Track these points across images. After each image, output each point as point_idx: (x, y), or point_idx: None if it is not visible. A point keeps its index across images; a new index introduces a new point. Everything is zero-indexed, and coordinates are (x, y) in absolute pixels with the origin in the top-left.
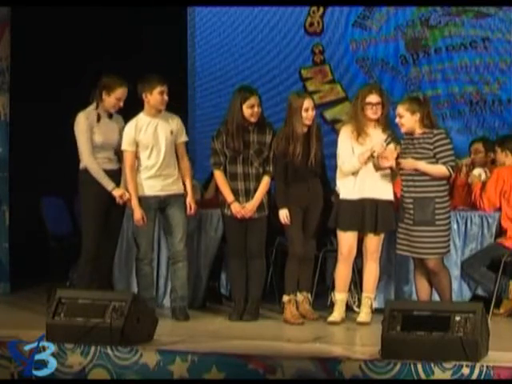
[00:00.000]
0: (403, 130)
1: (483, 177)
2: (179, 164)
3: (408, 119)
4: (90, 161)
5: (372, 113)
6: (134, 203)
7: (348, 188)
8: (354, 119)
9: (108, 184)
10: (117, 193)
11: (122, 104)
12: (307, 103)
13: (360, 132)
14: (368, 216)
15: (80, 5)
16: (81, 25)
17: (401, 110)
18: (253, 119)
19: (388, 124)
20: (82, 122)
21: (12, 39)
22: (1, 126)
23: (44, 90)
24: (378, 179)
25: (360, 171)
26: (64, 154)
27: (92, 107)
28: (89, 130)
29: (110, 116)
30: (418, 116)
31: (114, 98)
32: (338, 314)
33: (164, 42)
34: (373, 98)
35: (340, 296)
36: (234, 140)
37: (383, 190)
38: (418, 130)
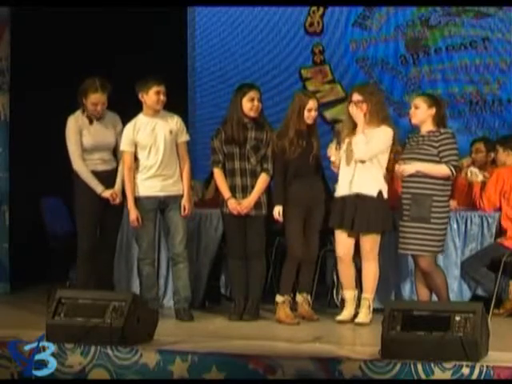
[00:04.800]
0: (413, 121)
1: (474, 170)
2: (180, 164)
3: (423, 111)
4: (79, 164)
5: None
6: (130, 204)
7: (338, 186)
8: (344, 119)
9: (96, 187)
10: (106, 194)
11: (99, 109)
12: (311, 103)
13: (346, 130)
14: (347, 214)
15: (80, 5)
16: (81, 25)
17: (418, 100)
18: (252, 113)
19: (380, 120)
20: (71, 126)
21: (12, 39)
22: (1, 126)
23: (44, 89)
24: (364, 178)
25: (345, 170)
26: (64, 154)
27: (80, 111)
28: (78, 133)
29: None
30: (433, 111)
31: (89, 103)
32: (347, 312)
33: (164, 41)
34: (354, 96)
35: (347, 294)
36: (234, 136)
37: (369, 189)
38: (426, 127)
